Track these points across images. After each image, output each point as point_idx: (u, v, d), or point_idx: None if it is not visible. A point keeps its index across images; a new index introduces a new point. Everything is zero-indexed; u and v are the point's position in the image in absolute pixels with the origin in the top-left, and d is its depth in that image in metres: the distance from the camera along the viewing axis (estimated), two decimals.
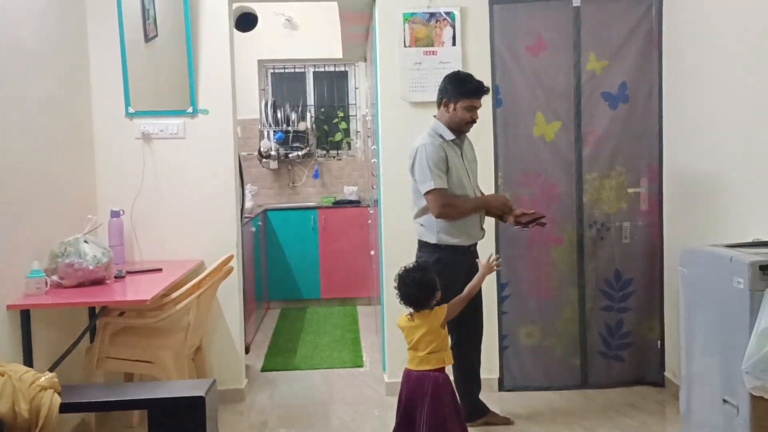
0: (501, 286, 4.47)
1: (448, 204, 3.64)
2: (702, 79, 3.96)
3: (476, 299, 3.79)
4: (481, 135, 4.23)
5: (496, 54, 4.40)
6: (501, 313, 4.48)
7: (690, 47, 4.07)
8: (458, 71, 3.84)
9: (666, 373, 4.50)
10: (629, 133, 4.45)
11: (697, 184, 4.07)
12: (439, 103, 3.77)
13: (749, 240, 3.22)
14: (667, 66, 4.35)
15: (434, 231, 3.71)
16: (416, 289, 3.18)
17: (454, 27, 4.35)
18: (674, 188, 4.36)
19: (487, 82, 4.35)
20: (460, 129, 3.73)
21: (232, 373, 4.48)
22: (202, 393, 2.63)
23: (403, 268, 3.25)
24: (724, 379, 2.49)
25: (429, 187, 3.61)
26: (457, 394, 3.33)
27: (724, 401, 2.41)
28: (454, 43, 4.35)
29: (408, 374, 3.24)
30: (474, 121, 3.74)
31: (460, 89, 3.68)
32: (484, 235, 3.89)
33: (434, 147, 3.63)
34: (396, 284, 3.24)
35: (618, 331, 4.53)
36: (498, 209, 3.81)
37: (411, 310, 3.24)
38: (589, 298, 4.51)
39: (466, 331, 3.86)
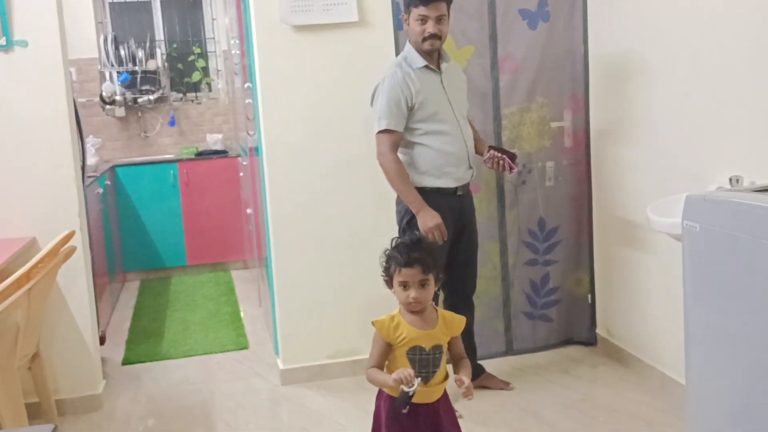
0: None
1: (393, 160, 3.15)
2: None
3: (469, 246, 3.40)
4: (384, 62, 3.44)
5: None
6: None
7: None
8: None
9: (598, 330, 3.99)
10: (551, 57, 3.81)
11: (630, 115, 3.49)
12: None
13: (728, 178, 2.66)
14: None
15: (411, 172, 3.22)
16: (428, 254, 2.31)
17: None
18: (602, 121, 3.78)
19: None
20: (420, 48, 3.18)
21: (84, 377, 3.55)
22: None
23: (397, 239, 2.40)
24: None
25: (380, 127, 3.16)
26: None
27: None
28: None
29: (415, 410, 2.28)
30: (434, 37, 3.13)
31: None
32: (473, 176, 3.38)
33: (395, 81, 3.15)
34: (390, 251, 2.36)
35: (544, 287, 3.96)
36: (423, 225, 3.10)
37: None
38: (512, 252, 3.90)
39: (458, 284, 3.42)
